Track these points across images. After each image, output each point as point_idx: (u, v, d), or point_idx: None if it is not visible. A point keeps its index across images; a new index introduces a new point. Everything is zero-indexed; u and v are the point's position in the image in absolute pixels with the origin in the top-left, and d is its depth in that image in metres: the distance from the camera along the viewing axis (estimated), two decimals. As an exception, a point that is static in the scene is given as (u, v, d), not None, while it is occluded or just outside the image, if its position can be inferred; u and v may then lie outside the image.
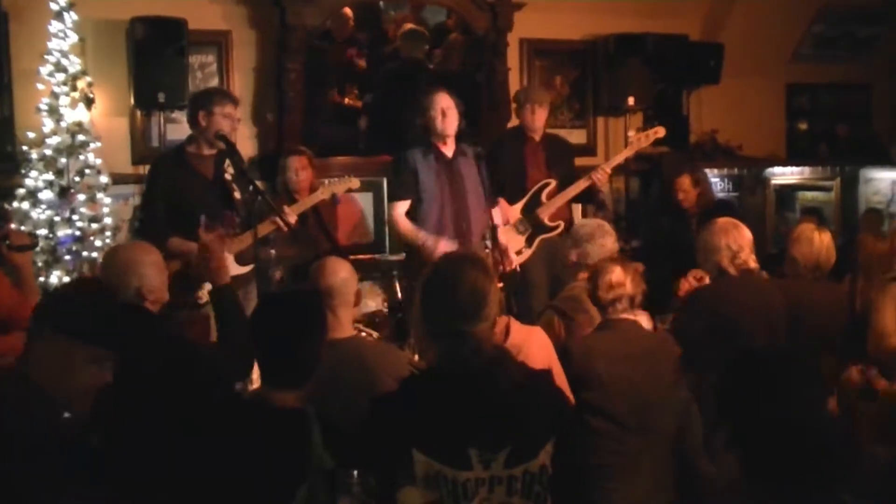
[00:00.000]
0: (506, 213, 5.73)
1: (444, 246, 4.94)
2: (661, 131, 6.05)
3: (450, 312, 2.45)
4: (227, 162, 4.87)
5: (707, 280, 4.39)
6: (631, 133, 6.47)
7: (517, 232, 5.78)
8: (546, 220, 5.79)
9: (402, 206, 5.20)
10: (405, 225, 5.18)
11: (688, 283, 4.44)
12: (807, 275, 4.38)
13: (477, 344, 2.45)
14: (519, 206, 5.84)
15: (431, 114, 5.11)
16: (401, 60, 7.55)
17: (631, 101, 7.53)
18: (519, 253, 5.75)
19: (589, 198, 6.26)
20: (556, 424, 2.53)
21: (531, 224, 5.80)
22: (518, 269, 5.68)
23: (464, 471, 2.37)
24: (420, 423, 2.41)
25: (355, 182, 5.38)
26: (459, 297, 2.44)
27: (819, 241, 4.39)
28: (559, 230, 5.78)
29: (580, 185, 5.84)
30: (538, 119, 6.05)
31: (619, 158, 6.10)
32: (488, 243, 5.10)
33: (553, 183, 5.87)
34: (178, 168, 4.88)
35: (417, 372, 2.73)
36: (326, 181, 5.32)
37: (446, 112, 5.10)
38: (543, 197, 5.84)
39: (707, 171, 7.97)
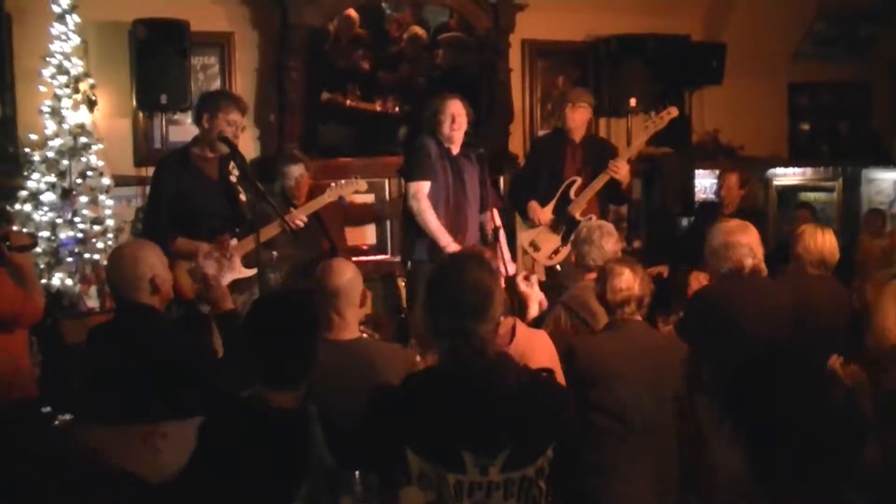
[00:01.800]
0: (538, 215, 5.88)
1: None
2: (673, 111, 6.03)
3: (455, 310, 2.42)
4: (232, 164, 4.85)
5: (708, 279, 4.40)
6: (644, 118, 6.43)
7: (552, 231, 5.88)
8: (578, 216, 5.80)
9: (426, 187, 5.32)
10: (433, 219, 5.27)
11: (697, 282, 4.45)
12: (812, 272, 4.38)
13: (480, 345, 2.42)
14: (550, 206, 5.92)
15: (441, 118, 5.31)
16: (443, 69, 7.56)
17: (633, 101, 7.52)
18: (557, 252, 5.85)
19: (617, 194, 6.14)
20: (557, 430, 2.50)
21: (564, 222, 5.86)
22: (558, 268, 5.76)
23: (458, 473, 2.35)
24: (415, 423, 2.39)
25: (363, 184, 5.37)
26: (464, 295, 2.42)
27: (822, 238, 4.41)
28: None
29: (602, 179, 5.85)
30: (572, 118, 6.03)
31: (634, 148, 6.08)
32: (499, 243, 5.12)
33: (579, 179, 5.93)
34: (183, 170, 4.86)
35: (418, 372, 2.72)
36: (333, 183, 5.31)
37: (455, 118, 5.31)
38: (572, 193, 5.91)
39: (709, 171, 8.00)
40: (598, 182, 5.86)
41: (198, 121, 4.88)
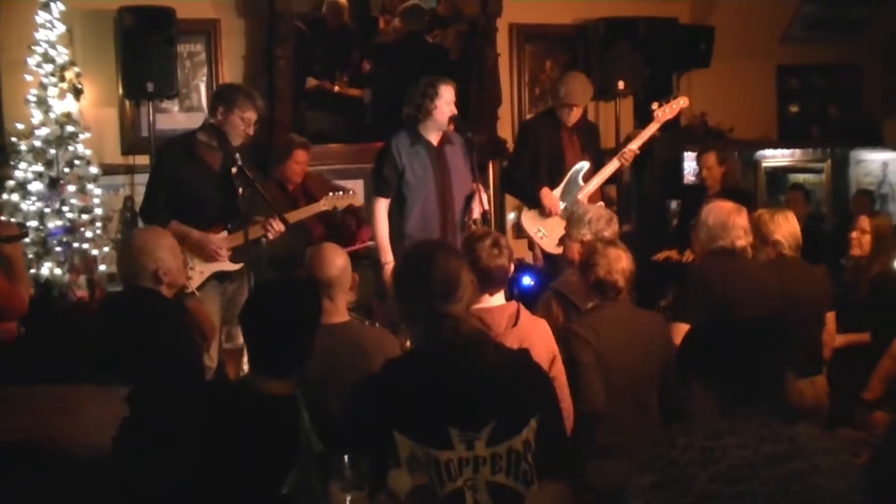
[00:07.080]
0: (550, 202, 5.75)
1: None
2: (684, 101, 6.00)
3: (424, 295, 2.48)
4: (238, 155, 4.80)
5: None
6: (654, 105, 6.35)
7: (560, 218, 5.68)
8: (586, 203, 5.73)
9: (385, 204, 5.12)
10: (382, 234, 5.11)
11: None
12: (791, 253, 4.44)
13: (454, 324, 2.48)
14: (557, 191, 5.82)
15: (438, 103, 5.00)
16: (398, 34, 7.48)
17: (621, 85, 7.51)
18: None
19: (616, 179, 6.09)
20: (538, 401, 2.54)
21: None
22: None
23: (445, 451, 2.38)
24: (399, 404, 2.42)
25: (357, 199, 5.42)
26: (432, 280, 2.48)
27: (791, 219, 4.48)
28: None
29: (612, 166, 5.83)
30: (572, 118, 5.90)
31: (644, 136, 5.97)
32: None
33: (588, 164, 5.85)
34: (185, 156, 4.86)
35: (397, 356, 2.75)
36: (331, 193, 5.35)
37: (449, 105, 5.03)
38: (580, 179, 5.83)
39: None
40: (608, 170, 5.83)
41: (212, 111, 4.87)
